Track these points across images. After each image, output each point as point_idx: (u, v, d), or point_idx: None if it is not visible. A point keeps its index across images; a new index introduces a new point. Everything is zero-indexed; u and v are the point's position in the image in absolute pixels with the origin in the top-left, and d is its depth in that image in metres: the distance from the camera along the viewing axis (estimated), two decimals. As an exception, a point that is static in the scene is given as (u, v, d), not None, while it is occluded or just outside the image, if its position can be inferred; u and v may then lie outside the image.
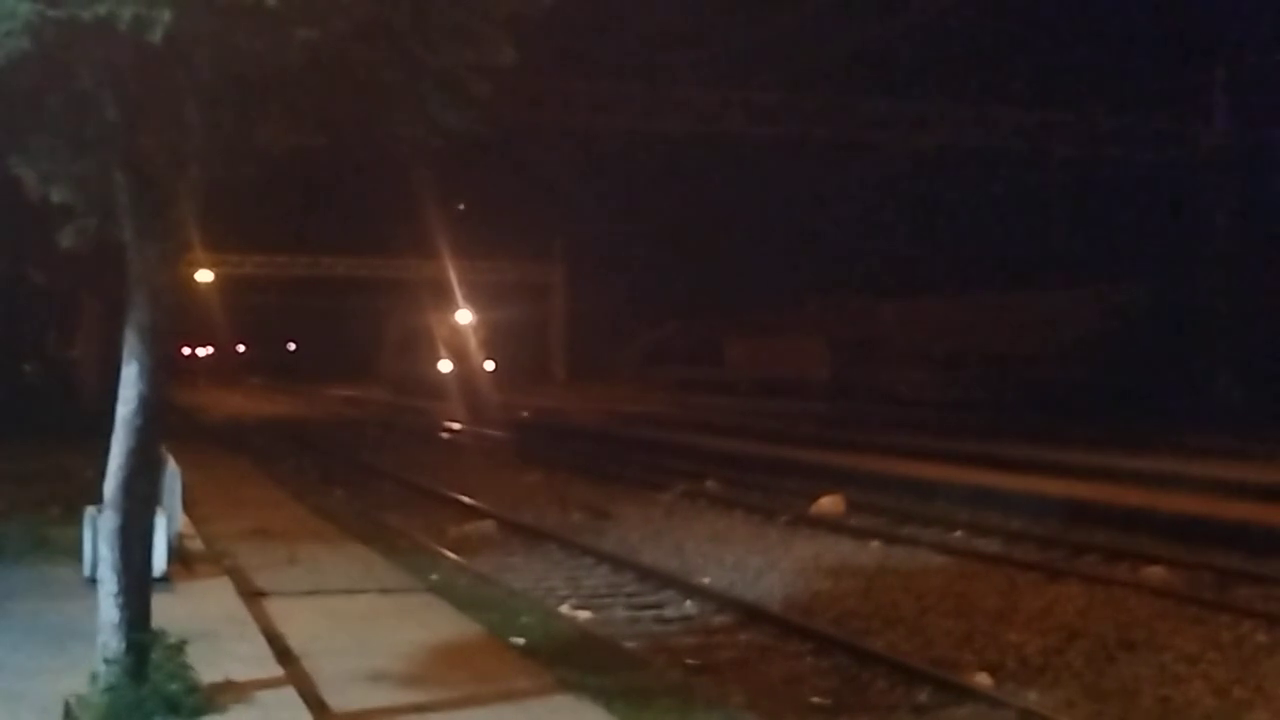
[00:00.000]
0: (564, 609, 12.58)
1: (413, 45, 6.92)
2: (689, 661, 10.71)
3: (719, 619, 12.40)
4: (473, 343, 57.14)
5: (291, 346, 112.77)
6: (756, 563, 15.34)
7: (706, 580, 14.19)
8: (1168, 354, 33.67)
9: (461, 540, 17.07)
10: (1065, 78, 35.73)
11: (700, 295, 57.38)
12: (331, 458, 29.35)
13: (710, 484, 22.79)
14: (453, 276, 56.82)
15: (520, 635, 9.89)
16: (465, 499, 20.81)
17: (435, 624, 9.91)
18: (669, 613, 12.82)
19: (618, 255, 60.05)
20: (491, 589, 12.77)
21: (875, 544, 16.57)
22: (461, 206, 57.87)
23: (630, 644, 11.07)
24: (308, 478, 24.39)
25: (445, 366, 56.27)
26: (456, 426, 40.36)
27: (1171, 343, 33.88)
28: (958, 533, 17.39)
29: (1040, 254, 39.04)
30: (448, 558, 14.73)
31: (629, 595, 13.65)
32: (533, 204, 57.51)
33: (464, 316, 58.46)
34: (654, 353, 61.65)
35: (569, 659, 9.09)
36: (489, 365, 57.31)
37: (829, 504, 19.61)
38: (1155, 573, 14.12)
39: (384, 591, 11.31)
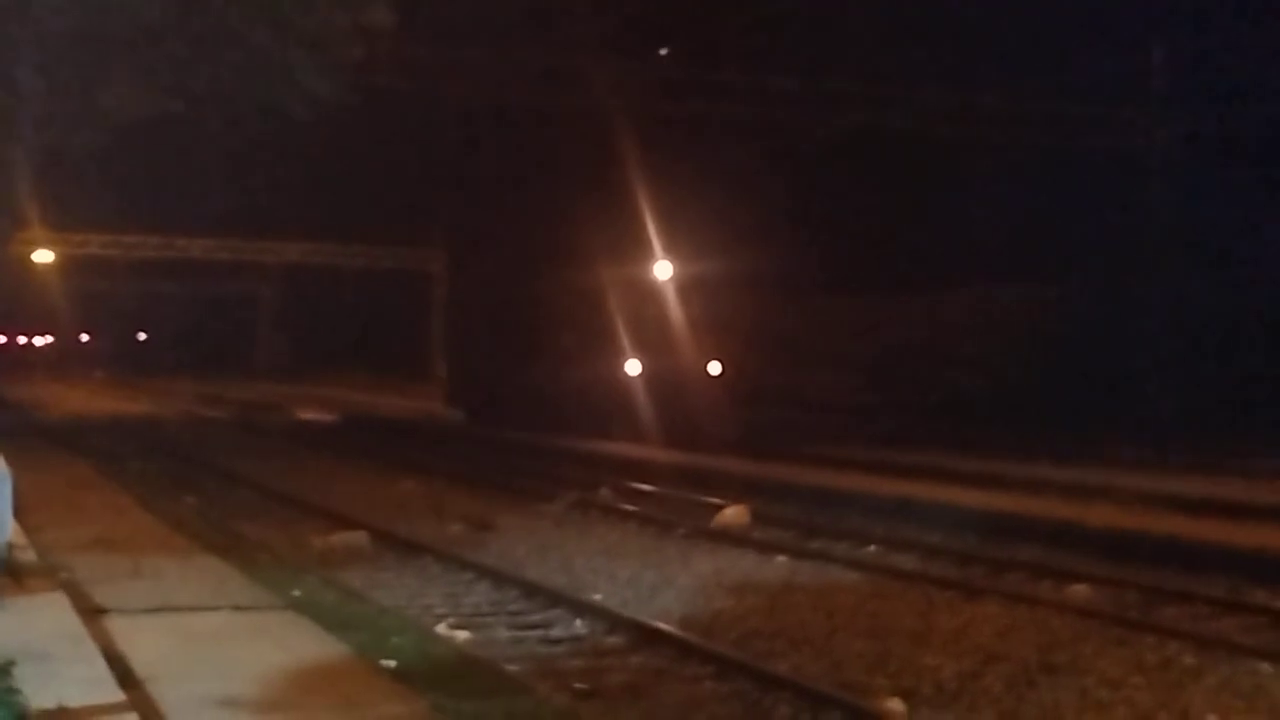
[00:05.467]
0: (441, 628, 12.53)
1: (280, 4, 6.88)
2: (577, 686, 10.72)
3: (611, 640, 12.43)
4: (683, 322, 34.28)
5: (142, 336, 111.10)
6: (652, 579, 15.40)
7: (598, 597, 14.21)
8: (1097, 359, 34.27)
9: (328, 553, 16.93)
10: (992, 56, 36.13)
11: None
12: (184, 461, 28.96)
13: (604, 493, 22.83)
14: (645, 212, 34.43)
15: (392, 657, 9.83)
16: (332, 507, 20.64)
17: (296, 645, 9.82)
18: (556, 633, 12.83)
19: (505, 242, 59.50)
20: (361, 606, 12.69)
21: (782, 559, 16.71)
22: (663, 51, 38.19)
23: (513, 667, 11.05)
24: (157, 483, 24.04)
25: (633, 368, 34.04)
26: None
27: (1101, 347, 34.49)
28: (871, 547, 17.59)
29: (962, 250, 39.45)
30: (312, 572, 14.61)
31: (512, 614, 13.63)
32: (410, 183, 56.61)
33: (664, 271, 34.64)
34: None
35: (445, 683, 9.06)
36: (714, 367, 34.21)
37: (732, 515, 19.73)
38: (1079, 591, 14.39)
39: (239, 609, 11.18)
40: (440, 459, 29.01)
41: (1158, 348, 34.13)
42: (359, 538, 17.92)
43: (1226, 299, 33.19)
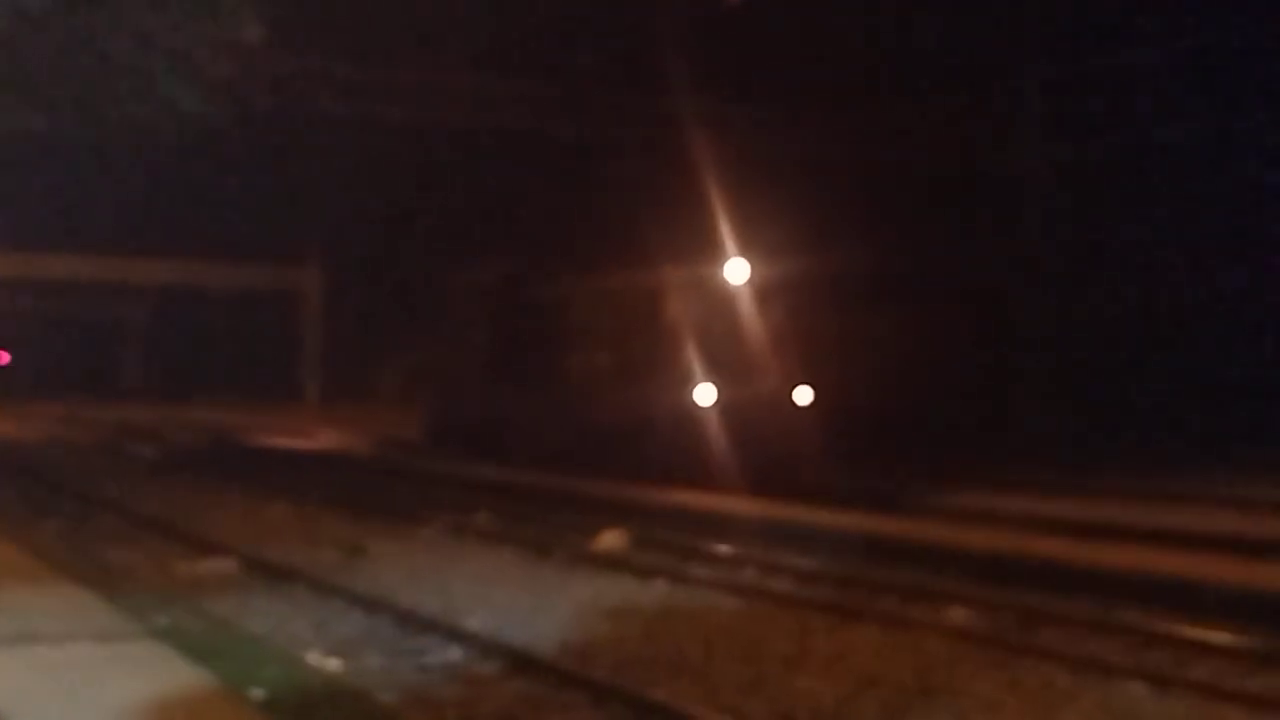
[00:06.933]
0: (311, 657, 12.41)
1: (143, 16, 6.81)
2: (451, 714, 10.66)
3: (485, 667, 12.38)
4: (764, 336, 27.45)
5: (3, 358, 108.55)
6: (529, 604, 15.36)
7: (472, 623, 14.15)
8: (976, 379, 34.77)
9: (195, 580, 16.70)
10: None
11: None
12: (46, 486, 28.40)
13: (480, 517, 22.74)
14: (715, 199, 27.66)
15: (260, 686, 9.72)
16: (201, 533, 20.36)
17: (162, 675, 9.67)
18: (430, 660, 12.74)
19: (380, 260, 59.03)
20: (229, 635, 12.53)
21: (660, 583, 16.74)
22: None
23: (385, 695, 10.98)
24: (16, 508, 23.56)
25: (706, 395, 27.07)
26: None
27: (980, 367, 35.00)
28: (748, 571, 17.69)
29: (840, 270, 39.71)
30: (179, 600, 14.40)
31: (385, 641, 13.53)
32: (283, 199, 56.04)
33: (739, 273, 27.49)
34: (419, 371, 59.98)
35: (315, 713, 8.99)
36: (804, 393, 27.42)
37: (610, 539, 19.76)
38: (956, 613, 14.59)
39: (102, 639, 10.98)
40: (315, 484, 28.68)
41: (1032, 370, 34.75)
42: (227, 564, 17.70)
43: (1100, 322, 33.91)
